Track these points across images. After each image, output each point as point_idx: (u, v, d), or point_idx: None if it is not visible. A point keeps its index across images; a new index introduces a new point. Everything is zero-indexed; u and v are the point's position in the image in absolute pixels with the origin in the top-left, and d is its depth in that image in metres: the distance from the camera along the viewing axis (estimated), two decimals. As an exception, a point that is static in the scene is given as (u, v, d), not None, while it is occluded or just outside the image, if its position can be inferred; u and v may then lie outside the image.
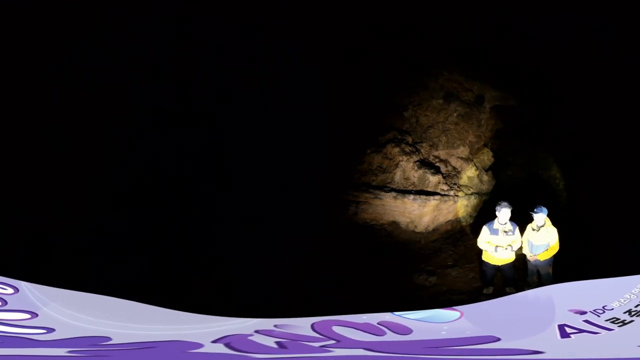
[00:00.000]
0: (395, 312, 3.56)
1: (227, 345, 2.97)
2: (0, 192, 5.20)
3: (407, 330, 3.34)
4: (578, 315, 3.39)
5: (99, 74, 6.67)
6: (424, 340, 3.21)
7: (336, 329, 3.31)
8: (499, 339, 3.12)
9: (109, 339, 2.95)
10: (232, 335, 3.18)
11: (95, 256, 5.52)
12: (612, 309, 3.34)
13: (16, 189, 5.45)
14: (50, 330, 2.93)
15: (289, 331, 3.30)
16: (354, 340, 3.17)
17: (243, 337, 3.15)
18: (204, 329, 3.27)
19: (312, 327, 3.33)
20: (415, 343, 3.18)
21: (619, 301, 3.40)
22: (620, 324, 3.15)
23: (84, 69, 6.53)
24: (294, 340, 3.15)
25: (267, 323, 3.40)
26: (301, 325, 3.36)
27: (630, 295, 3.41)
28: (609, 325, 3.17)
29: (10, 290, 3.23)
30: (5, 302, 3.11)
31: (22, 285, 3.31)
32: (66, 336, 2.91)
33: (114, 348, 2.86)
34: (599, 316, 3.31)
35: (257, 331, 3.25)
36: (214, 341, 3.04)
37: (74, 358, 2.66)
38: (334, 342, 3.10)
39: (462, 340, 3.15)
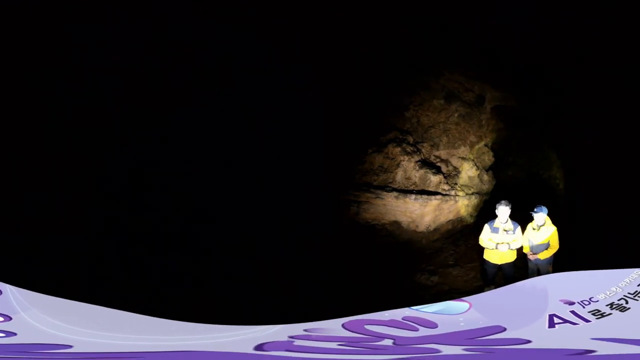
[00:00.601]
0: (412, 307, 3.58)
1: (289, 350, 2.89)
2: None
3: (432, 324, 3.35)
4: (567, 305, 3.42)
5: (97, 73, 6.65)
6: (456, 332, 3.22)
7: (370, 327, 3.28)
8: (505, 329, 3.16)
9: (70, 346, 2.87)
10: (270, 342, 3.06)
11: (86, 261, 5.47)
12: (598, 301, 3.38)
13: (4, 191, 5.40)
14: (10, 334, 2.90)
15: (324, 334, 3.20)
16: (409, 337, 3.14)
17: (288, 344, 3.05)
18: (229, 337, 3.15)
19: (345, 328, 3.26)
20: (454, 335, 3.19)
21: (605, 294, 3.42)
22: (599, 316, 3.19)
23: (82, 68, 6.52)
24: (354, 341, 3.08)
25: (297, 328, 3.28)
26: (332, 328, 3.28)
27: (616, 289, 3.44)
28: (589, 317, 3.21)
29: None
30: None
31: (7, 288, 3.28)
32: (22, 341, 2.86)
33: (69, 357, 2.78)
34: (584, 307, 3.34)
35: (290, 337, 3.15)
36: (257, 347, 2.93)
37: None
38: (392, 341, 3.09)
39: (478, 332, 3.18)
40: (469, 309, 3.57)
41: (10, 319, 3.05)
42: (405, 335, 3.19)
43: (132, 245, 5.98)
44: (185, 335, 3.20)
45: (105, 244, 5.88)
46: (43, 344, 2.88)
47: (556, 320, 3.23)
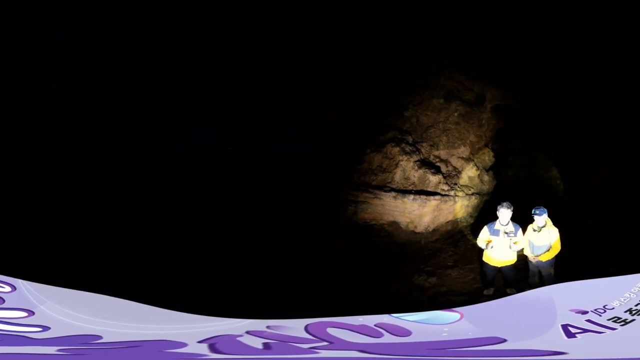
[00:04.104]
0: (393, 314, 3.50)
1: (211, 346, 2.95)
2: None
3: (405, 332, 3.28)
4: (580, 315, 3.37)
5: (99, 74, 6.63)
6: (426, 342, 3.15)
7: (331, 330, 3.27)
8: (505, 340, 3.07)
9: (100, 337, 2.96)
10: (220, 335, 3.15)
11: (92, 255, 5.48)
12: (613, 308, 3.34)
13: (14, 187, 5.42)
14: (45, 328, 2.96)
15: (280, 332, 3.26)
16: (347, 342, 3.11)
17: (232, 338, 3.12)
18: (194, 328, 3.26)
19: (306, 328, 3.29)
20: (417, 345, 3.12)
21: (619, 300, 3.40)
22: (622, 323, 3.15)
23: (84, 70, 6.50)
24: (283, 341, 3.10)
25: (260, 324, 3.36)
26: (294, 327, 3.32)
27: (630, 294, 3.42)
28: (611, 324, 3.17)
29: (7, 289, 3.26)
30: (3, 300, 3.14)
31: (20, 283, 3.33)
32: (60, 334, 2.92)
33: (102, 347, 2.86)
34: (600, 315, 3.30)
35: (248, 332, 3.22)
36: (200, 341, 3.02)
37: (63, 357, 2.66)
38: (326, 343, 3.04)
39: (466, 342, 3.09)
40: (459, 319, 3.49)
41: (33, 313, 3.11)
42: (349, 340, 3.13)
43: (129, 242, 5.96)
44: (170, 324, 3.31)
45: (108, 241, 5.88)
46: (78, 336, 2.95)
47: (573, 330, 3.17)
